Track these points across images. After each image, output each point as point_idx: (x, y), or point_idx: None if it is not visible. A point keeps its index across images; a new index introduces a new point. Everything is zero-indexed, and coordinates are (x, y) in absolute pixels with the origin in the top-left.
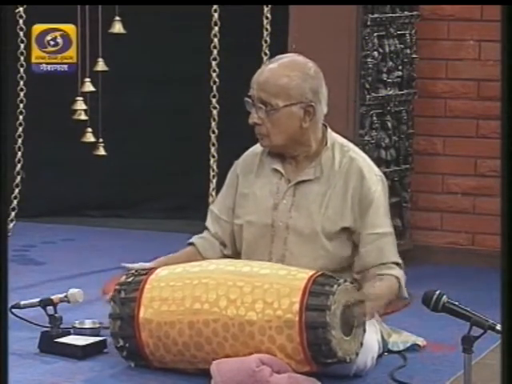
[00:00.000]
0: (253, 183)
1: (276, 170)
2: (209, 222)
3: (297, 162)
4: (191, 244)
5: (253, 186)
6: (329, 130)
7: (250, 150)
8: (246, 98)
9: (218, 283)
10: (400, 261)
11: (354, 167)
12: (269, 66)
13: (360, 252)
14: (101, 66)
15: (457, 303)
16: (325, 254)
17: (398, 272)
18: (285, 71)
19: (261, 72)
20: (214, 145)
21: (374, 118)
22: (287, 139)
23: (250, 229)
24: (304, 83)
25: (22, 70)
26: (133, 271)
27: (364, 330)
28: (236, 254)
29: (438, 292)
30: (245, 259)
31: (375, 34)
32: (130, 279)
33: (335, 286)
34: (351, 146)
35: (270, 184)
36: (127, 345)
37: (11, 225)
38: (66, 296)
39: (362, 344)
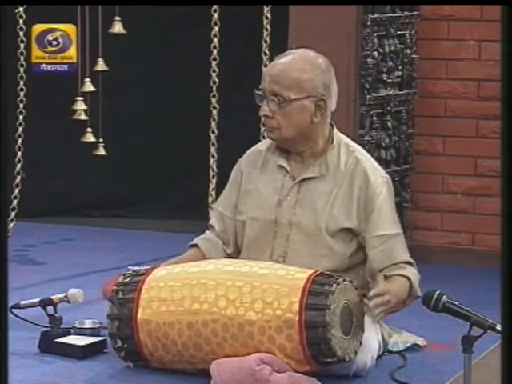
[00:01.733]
0: (257, 179)
1: (281, 167)
2: (213, 221)
3: (302, 159)
4: (194, 245)
5: (257, 183)
6: (335, 129)
7: (254, 147)
8: (257, 91)
9: (217, 283)
10: (411, 260)
11: (359, 168)
12: (281, 59)
13: (368, 256)
14: (101, 65)
15: (457, 303)
16: (328, 253)
17: (409, 271)
18: (297, 64)
19: (273, 65)
20: (213, 145)
21: (374, 118)
22: (297, 132)
23: (252, 225)
24: (316, 77)
25: (21, 69)
26: (130, 271)
27: (363, 330)
28: (238, 253)
29: (437, 292)
30: (245, 255)
31: (375, 34)
32: (127, 280)
33: (334, 286)
34: (357, 146)
35: (275, 181)
36: (125, 345)
37: (11, 225)
38: (66, 296)
39: (361, 343)
